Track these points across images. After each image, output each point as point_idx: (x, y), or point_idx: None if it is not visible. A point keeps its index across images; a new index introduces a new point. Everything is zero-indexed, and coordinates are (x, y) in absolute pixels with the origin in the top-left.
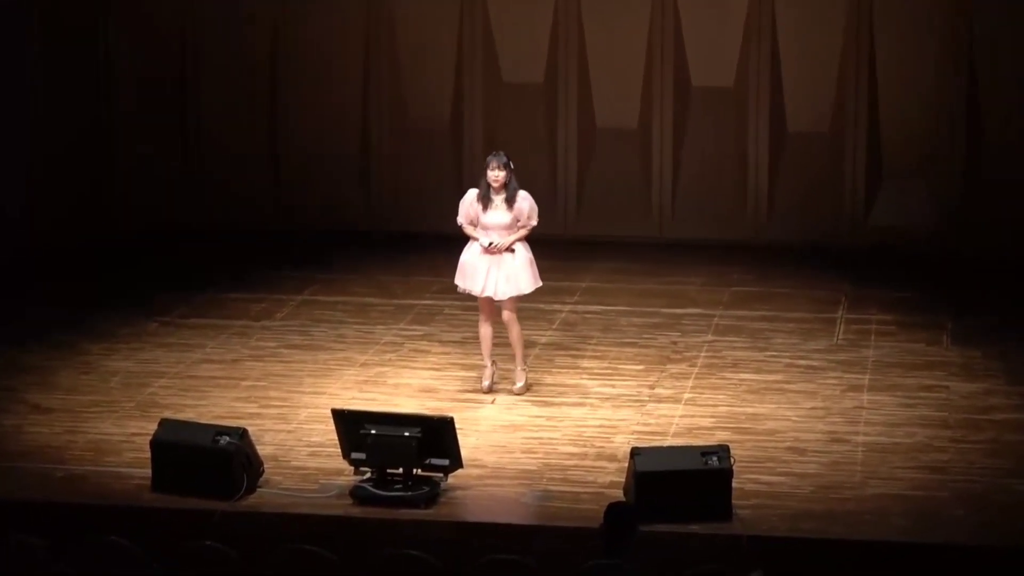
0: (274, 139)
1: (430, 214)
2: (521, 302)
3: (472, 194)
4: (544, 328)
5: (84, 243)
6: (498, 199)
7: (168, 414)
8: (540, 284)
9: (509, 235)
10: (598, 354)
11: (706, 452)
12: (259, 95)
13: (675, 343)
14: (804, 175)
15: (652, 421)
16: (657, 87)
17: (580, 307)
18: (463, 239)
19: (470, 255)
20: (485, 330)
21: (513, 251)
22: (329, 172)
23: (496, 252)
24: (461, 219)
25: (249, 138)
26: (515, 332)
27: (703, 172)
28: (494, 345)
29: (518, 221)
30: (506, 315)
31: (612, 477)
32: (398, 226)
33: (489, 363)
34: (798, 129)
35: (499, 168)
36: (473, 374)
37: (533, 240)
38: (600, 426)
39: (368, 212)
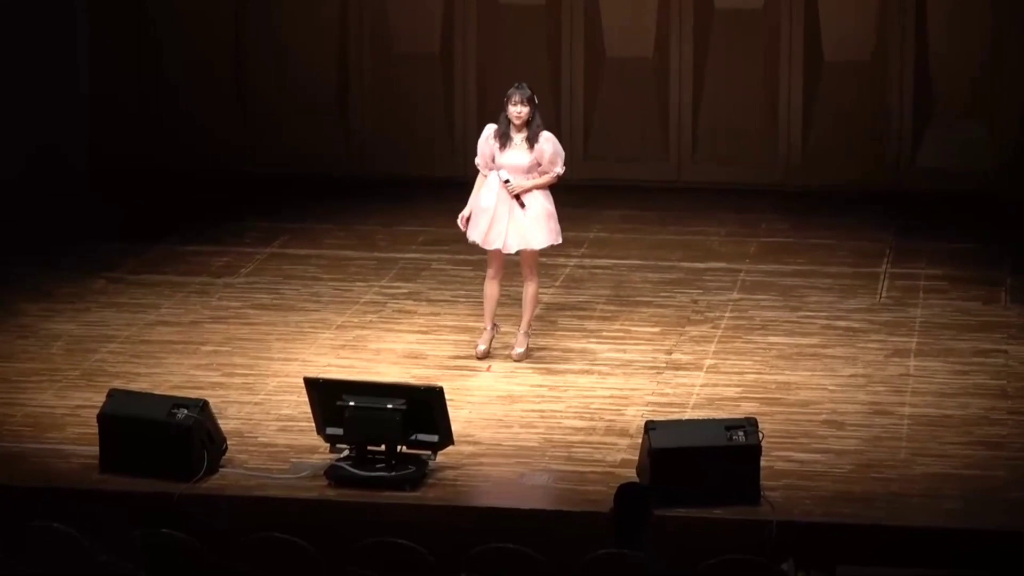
0: (239, 68)
1: (417, 155)
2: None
3: (490, 129)
4: (546, 285)
5: (27, 187)
6: (518, 137)
7: (118, 384)
8: (559, 241)
9: (529, 179)
10: (607, 315)
11: (731, 426)
12: (222, 17)
13: (695, 302)
14: (842, 110)
15: (669, 391)
16: (675, 9)
17: (587, 261)
18: (458, 184)
19: (482, 199)
20: (491, 288)
21: (523, 204)
22: (302, 106)
23: (512, 191)
24: (479, 160)
25: (211, 66)
26: (530, 291)
27: (727, 107)
28: (499, 306)
29: (538, 165)
30: (525, 268)
31: (624, 455)
32: (380, 168)
33: (489, 326)
34: (836, 57)
35: (522, 102)
36: (466, 338)
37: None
38: (610, 397)
39: (346, 152)
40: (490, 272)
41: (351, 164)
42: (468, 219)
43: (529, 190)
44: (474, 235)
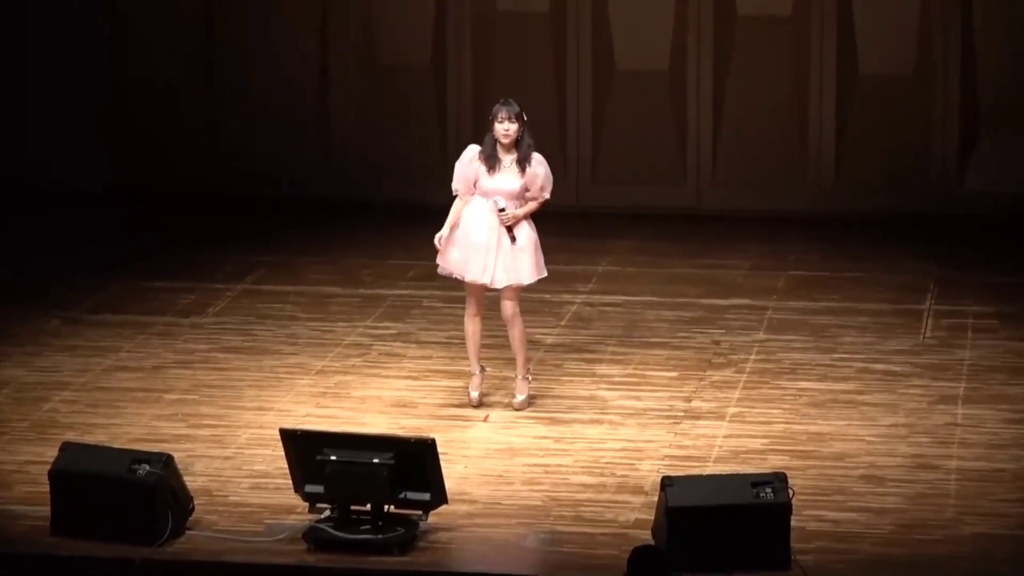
0: (210, 78)
1: (406, 178)
2: (522, 292)
3: (472, 151)
4: (550, 325)
5: None
6: (507, 159)
7: (72, 436)
8: (544, 274)
9: (518, 207)
10: (619, 358)
11: (757, 482)
12: (188, 26)
13: (717, 343)
14: (880, 128)
15: (688, 443)
16: (694, 16)
17: (595, 298)
18: (448, 210)
19: (461, 228)
20: (473, 326)
21: (514, 236)
22: (277, 123)
23: (506, 222)
24: (458, 184)
25: (175, 78)
26: (517, 331)
27: (752, 125)
28: (484, 346)
29: (527, 191)
30: (507, 309)
31: (638, 514)
32: (366, 193)
33: (478, 369)
34: (873, 70)
35: (510, 119)
36: (460, 384)
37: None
38: (622, 450)
39: (327, 175)
40: (471, 309)
41: (333, 189)
42: (443, 239)
43: (521, 219)
44: (454, 268)
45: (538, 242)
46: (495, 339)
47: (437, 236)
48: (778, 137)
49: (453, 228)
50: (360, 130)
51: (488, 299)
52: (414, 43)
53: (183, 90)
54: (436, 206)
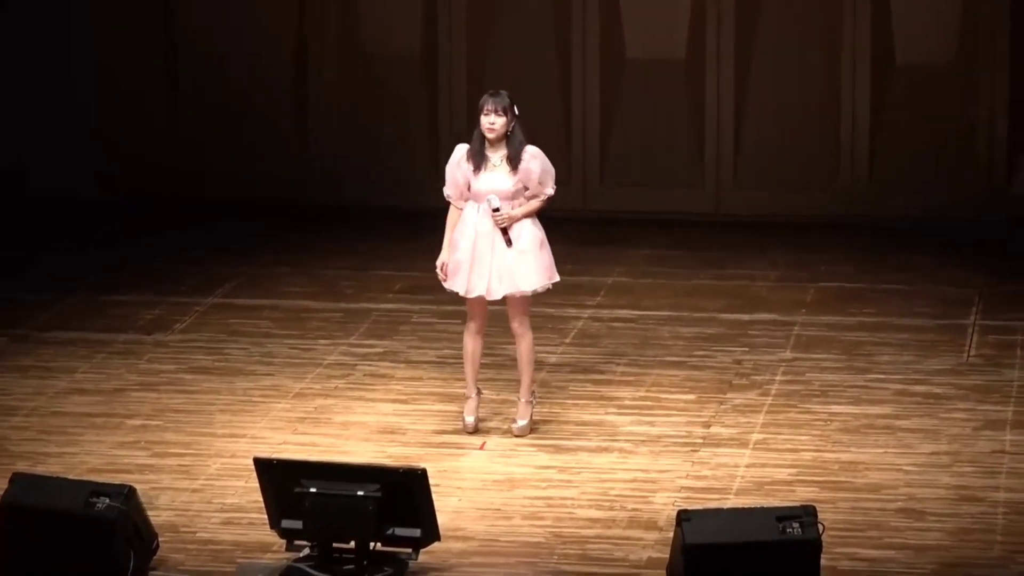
0: (173, 71)
1: (393, 181)
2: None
3: (461, 151)
4: (554, 343)
5: None
6: (496, 157)
7: (23, 467)
8: (556, 279)
9: (516, 207)
10: (630, 379)
11: (784, 516)
12: (148, 13)
13: (739, 363)
14: (919, 124)
15: (707, 473)
16: (712, 1)
17: (604, 312)
18: (439, 215)
19: (457, 245)
20: (472, 344)
21: (510, 240)
22: (249, 120)
23: (501, 223)
24: (449, 190)
25: (136, 71)
26: (524, 347)
27: (778, 120)
28: (481, 365)
29: (525, 189)
30: (514, 323)
31: (651, 552)
32: (348, 197)
33: (473, 391)
34: (911, 60)
35: (496, 112)
36: (453, 408)
37: (539, 217)
38: (634, 481)
39: (306, 177)
40: (471, 325)
41: (312, 192)
42: (446, 266)
43: (519, 219)
44: (455, 284)
45: (545, 243)
46: (493, 358)
47: (438, 263)
48: (807, 134)
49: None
50: (341, 127)
51: (489, 313)
52: (401, 30)
53: (142, 82)
54: (426, 211)
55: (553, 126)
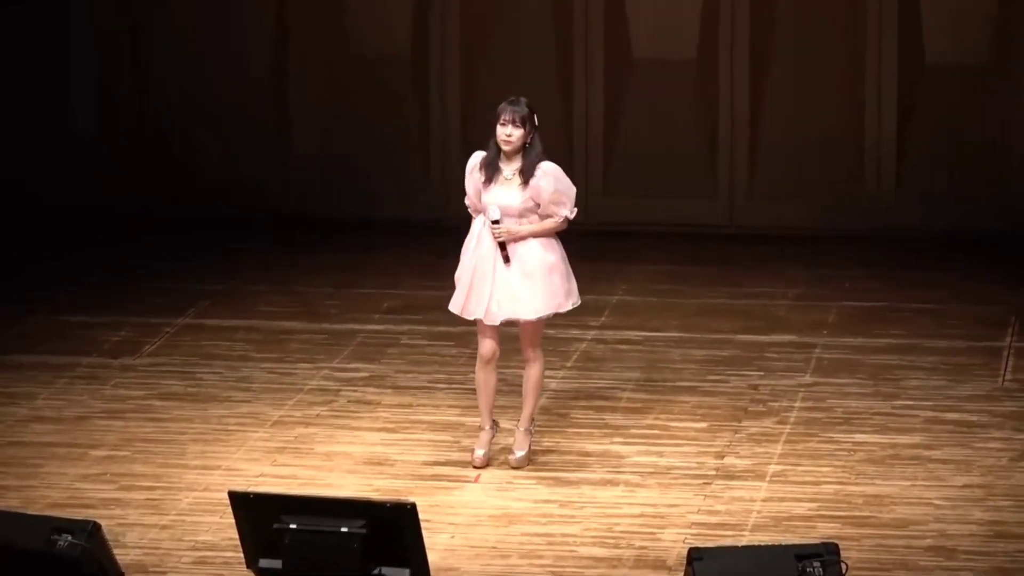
0: (144, 71)
1: (381, 190)
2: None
3: (475, 159)
4: (554, 367)
5: None
6: (509, 170)
7: None
8: (569, 306)
9: (521, 224)
10: (637, 406)
11: (803, 554)
12: (114, 13)
13: (755, 388)
14: (951, 129)
15: (720, 508)
16: None
17: (608, 333)
18: (436, 229)
19: (463, 260)
20: (484, 374)
21: (508, 257)
22: (225, 125)
23: (498, 237)
24: (467, 199)
25: (103, 75)
26: (532, 374)
27: (797, 125)
28: (467, 391)
29: (537, 207)
30: (523, 348)
31: None
32: (331, 208)
33: (488, 424)
34: (941, 59)
35: (514, 123)
36: (446, 437)
37: None
38: (641, 516)
39: (285, 186)
40: (482, 352)
41: (292, 203)
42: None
43: (523, 237)
44: (452, 302)
45: (558, 265)
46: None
47: (457, 275)
48: (828, 140)
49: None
50: (325, 132)
51: (501, 336)
52: (390, 28)
53: (107, 81)
54: (417, 222)
55: (553, 131)
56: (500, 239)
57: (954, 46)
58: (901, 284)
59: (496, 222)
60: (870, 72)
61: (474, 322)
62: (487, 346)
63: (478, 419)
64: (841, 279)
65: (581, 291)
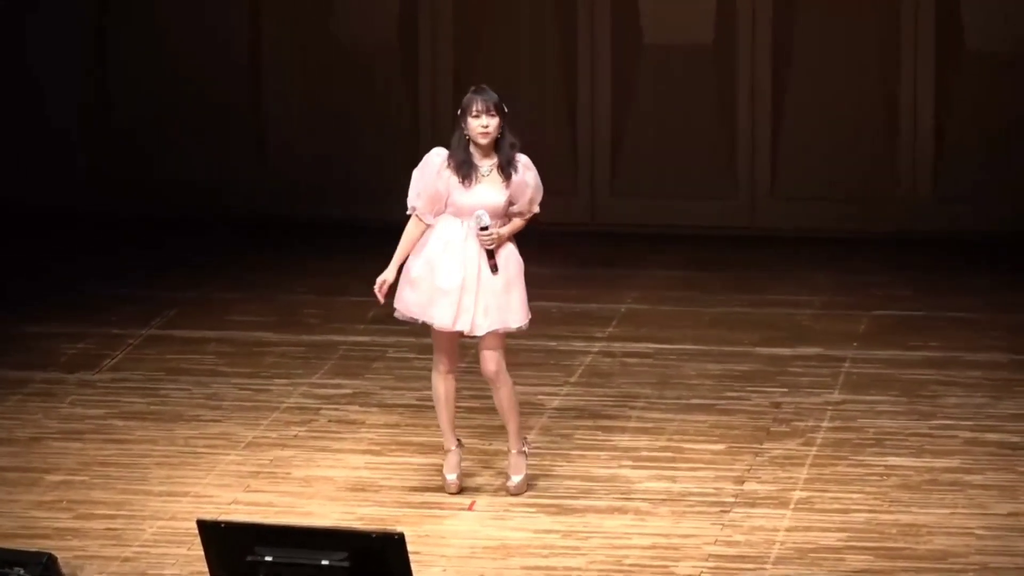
0: (101, 59)
1: (365, 191)
2: (509, 338)
3: (440, 157)
4: (557, 382)
5: None
6: (486, 165)
7: None
8: (529, 316)
9: (500, 226)
10: (648, 426)
11: None
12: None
13: (778, 406)
14: (992, 122)
15: (740, 538)
16: None
17: (616, 346)
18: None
19: (424, 257)
20: (445, 386)
21: (496, 265)
22: (196, 119)
23: (489, 244)
24: (417, 201)
25: (63, 67)
26: (505, 392)
27: (824, 119)
28: (468, 409)
29: (512, 205)
30: (490, 364)
31: None
32: (311, 210)
33: (453, 444)
34: (983, 46)
35: (489, 111)
36: (436, 461)
37: (538, 233)
38: (652, 547)
39: (261, 186)
40: (441, 364)
41: (268, 203)
42: (389, 286)
43: (505, 241)
44: (415, 311)
45: (522, 271)
46: (483, 401)
47: (379, 280)
48: (858, 134)
49: (407, 262)
50: (304, 127)
51: (461, 350)
52: (375, 13)
53: (67, 75)
54: (402, 225)
55: (555, 125)
56: (490, 247)
57: (998, 30)
58: (938, 291)
59: (484, 228)
60: (904, 59)
61: (426, 327)
62: (448, 356)
63: (470, 440)
64: (872, 286)
65: (586, 300)
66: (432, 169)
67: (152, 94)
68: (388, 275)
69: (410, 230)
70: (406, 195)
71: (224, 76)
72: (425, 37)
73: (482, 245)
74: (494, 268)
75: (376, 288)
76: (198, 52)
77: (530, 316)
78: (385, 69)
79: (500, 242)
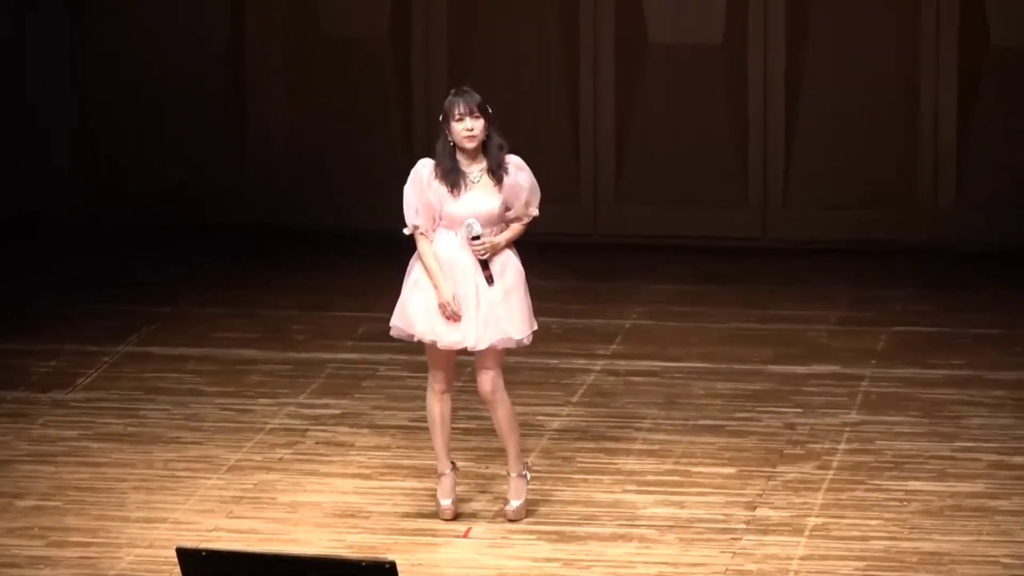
0: (73, 59)
1: (355, 195)
2: (508, 355)
3: (427, 168)
4: (558, 402)
5: None
6: (474, 171)
7: None
8: (535, 327)
9: (496, 233)
10: (653, 447)
11: None
12: None
13: (792, 427)
14: (1020, 124)
15: (752, 567)
16: None
17: (620, 363)
18: (411, 244)
19: (423, 275)
20: (440, 407)
21: (492, 276)
22: (172, 120)
23: (482, 254)
24: (417, 219)
25: (42, 56)
26: (503, 412)
27: (840, 122)
28: (464, 431)
29: (507, 210)
30: (487, 383)
31: None
32: (297, 217)
33: (447, 467)
34: (1009, 40)
35: (473, 114)
36: (430, 485)
37: (538, 244)
38: None
39: (243, 190)
40: (437, 383)
41: (251, 211)
42: (451, 303)
43: (501, 250)
44: (414, 327)
45: (524, 280)
46: (480, 422)
47: (442, 303)
48: (876, 138)
49: (405, 280)
50: (289, 129)
51: (457, 368)
52: (366, 8)
53: (41, 78)
54: (396, 234)
55: (556, 129)
56: (483, 256)
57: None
58: (961, 306)
59: (476, 238)
60: (926, 55)
61: (420, 344)
62: (445, 375)
63: (466, 463)
64: (892, 300)
65: (589, 315)
66: (422, 181)
67: (129, 97)
68: (446, 295)
69: (424, 249)
70: (397, 202)
71: (204, 75)
72: (418, 31)
73: (475, 255)
74: (489, 279)
75: (447, 316)
76: (179, 52)
77: (535, 328)
78: (375, 66)
79: (496, 251)
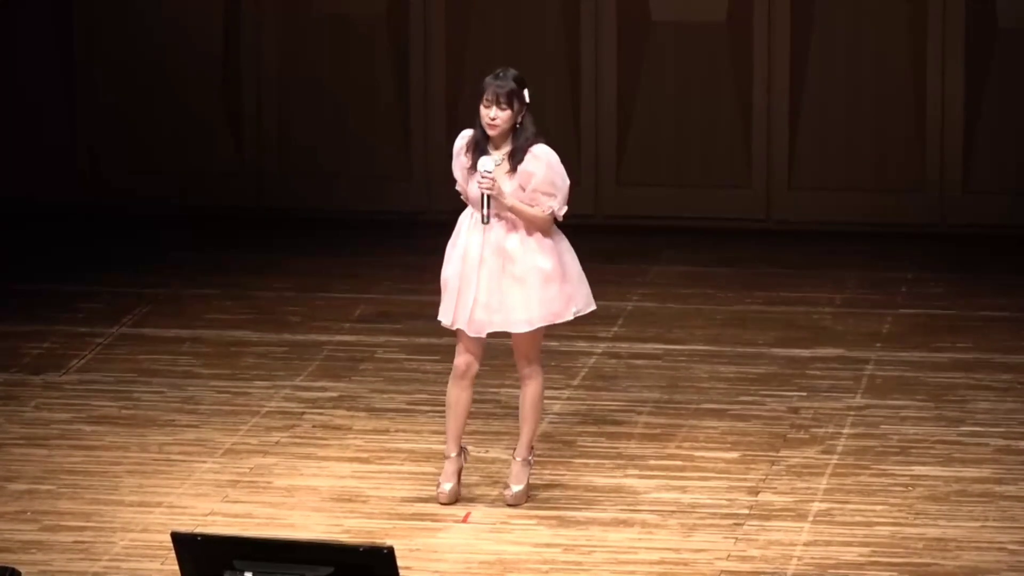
0: (68, 54)
1: (351, 179)
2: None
3: (463, 139)
4: (559, 385)
5: None
6: (498, 154)
7: None
8: (582, 310)
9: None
10: (655, 432)
11: None
12: None
13: (796, 411)
14: None
15: (755, 553)
16: None
17: (622, 346)
18: (417, 224)
19: (449, 264)
20: (457, 392)
21: (488, 218)
22: (164, 99)
23: (488, 189)
24: (459, 186)
25: (29, 45)
26: (529, 393)
27: (846, 103)
28: (471, 417)
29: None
30: (519, 364)
31: None
32: (292, 199)
33: (454, 451)
34: (1017, 23)
35: (499, 103)
36: (429, 470)
37: None
38: (661, 562)
39: (237, 173)
40: (458, 365)
41: (245, 193)
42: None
43: (506, 205)
44: (441, 311)
45: (555, 278)
46: (480, 404)
47: (443, 279)
48: (882, 119)
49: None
50: (284, 110)
51: (485, 348)
52: None
53: (30, 61)
54: (392, 215)
55: (556, 109)
56: (488, 190)
57: None
58: (968, 289)
59: (488, 171)
60: (933, 35)
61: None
62: (464, 359)
63: (468, 446)
64: (897, 282)
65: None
66: (456, 151)
67: (120, 78)
68: (446, 271)
69: (460, 220)
70: (395, 184)
71: (196, 56)
72: (416, 8)
73: (480, 188)
74: (485, 218)
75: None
76: (171, 32)
77: (562, 317)
78: (372, 47)
79: (498, 193)
